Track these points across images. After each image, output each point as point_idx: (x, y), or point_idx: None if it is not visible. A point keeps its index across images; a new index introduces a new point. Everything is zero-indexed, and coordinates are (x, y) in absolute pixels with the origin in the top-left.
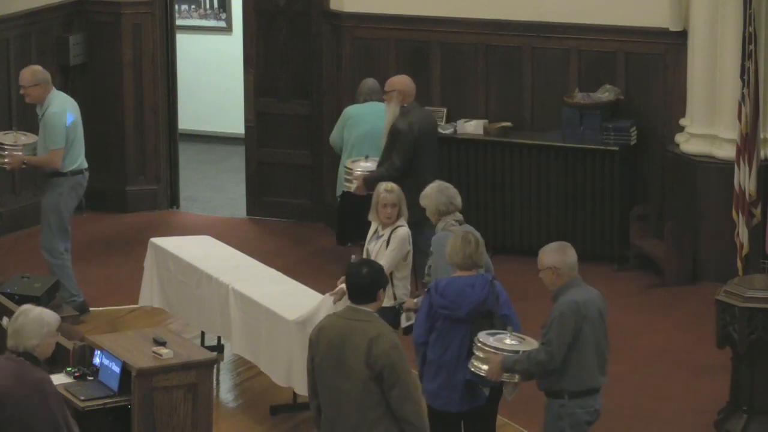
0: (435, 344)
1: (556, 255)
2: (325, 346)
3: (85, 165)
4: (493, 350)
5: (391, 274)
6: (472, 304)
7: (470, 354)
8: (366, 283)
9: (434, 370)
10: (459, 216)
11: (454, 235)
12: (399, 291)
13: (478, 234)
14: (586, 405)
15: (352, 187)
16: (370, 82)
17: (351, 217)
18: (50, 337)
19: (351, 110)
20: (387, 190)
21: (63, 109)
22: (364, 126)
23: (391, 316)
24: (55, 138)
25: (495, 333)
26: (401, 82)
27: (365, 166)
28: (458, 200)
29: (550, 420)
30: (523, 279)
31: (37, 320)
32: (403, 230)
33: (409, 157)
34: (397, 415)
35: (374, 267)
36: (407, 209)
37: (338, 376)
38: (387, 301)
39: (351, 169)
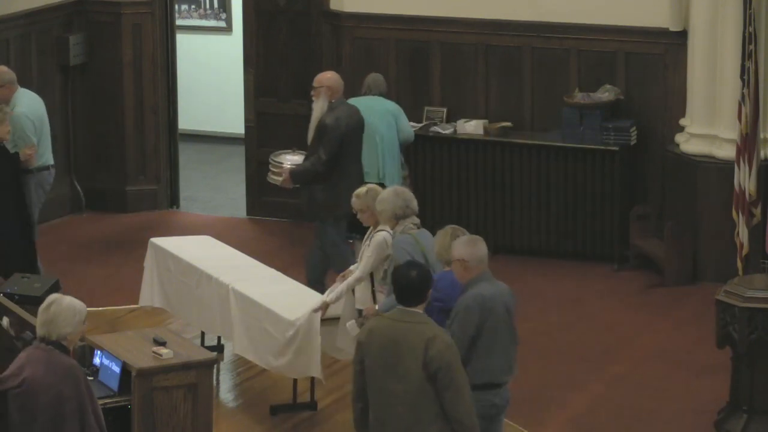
0: None
1: (466, 248)
2: (376, 348)
3: (52, 161)
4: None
5: (372, 278)
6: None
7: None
8: (415, 286)
9: None
10: (416, 220)
11: (442, 232)
12: (381, 296)
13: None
14: (484, 399)
15: (279, 180)
16: (375, 75)
17: None
18: (81, 325)
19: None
20: (355, 195)
21: (29, 108)
22: None
23: None
24: (26, 136)
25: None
26: (329, 78)
27: (293, 159)
28: (414, 204)
29: None
30: (523, 279)
31: (70, 308)
32: (380, 235)
33: (335, 151)
34: (449, 415)
35: (422, 269)
36: (334, 204)
37: (391, 377)
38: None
39: (278, 162)
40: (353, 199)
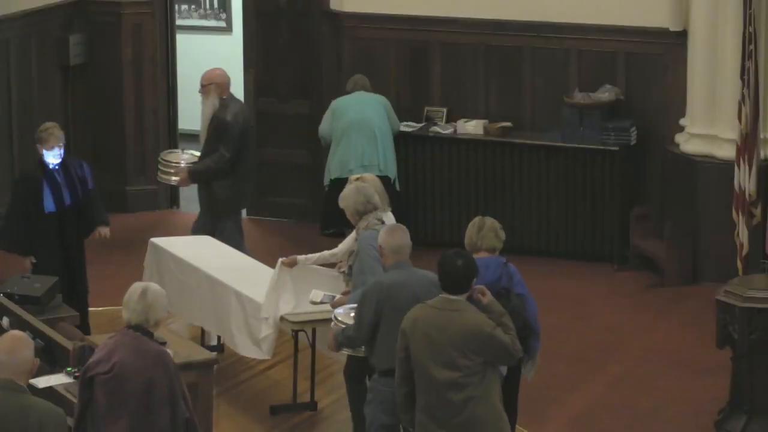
0: None
1: (384, 235)
2: (421, 336)
3: None
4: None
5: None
6: (486, 284)
7: None
8: (461, 275)
9: None
10: (380, 215)
11: (470, 223)
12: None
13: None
14: (389, 385)
15: (172, 180)
16: (359, 75)
17: (335, 207)
18: (167, 310)
19: (338, 101)
20: (350, 181)
21: None
22: (351, 115)
23: None
24: None
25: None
26: (218, 75)
27: (186, 158)
28: (376, 199)
29: (368, 393)
30: (523, 278)
31: (161, 294)
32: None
33: (238, 147)
34: (505, 352)
35: (467, 258)
36: (237, 199)
37: (437, 364)
38: None
39: (169, 161)
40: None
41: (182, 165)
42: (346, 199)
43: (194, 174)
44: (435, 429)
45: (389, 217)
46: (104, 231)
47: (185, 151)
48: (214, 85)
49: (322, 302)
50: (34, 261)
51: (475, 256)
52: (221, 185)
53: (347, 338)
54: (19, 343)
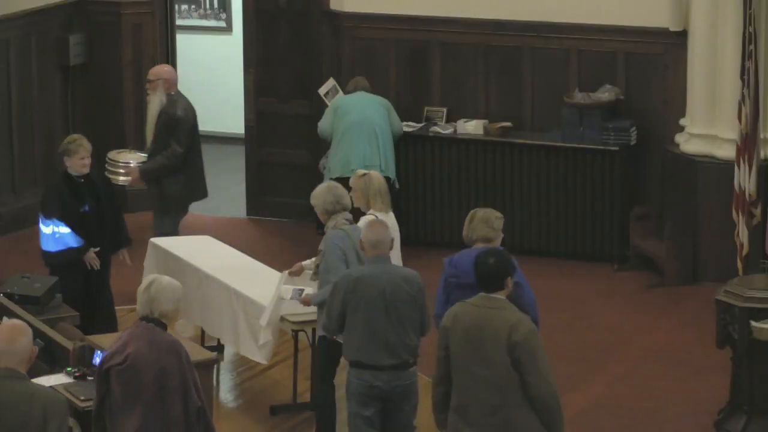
0: None
1: (364, 230)
2: (461, 334)
3: None
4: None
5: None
6: None
7: None
8: (495, 273)
9: None
10: (349, 216)
11: (468, 215)
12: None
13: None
14: (361, 377)
15: (121, 179)
16: (359, 78)
17: None
18: (178, 303)
19: (340, 101)
20: (356, 175)
21: None
22: (354, 115)
23: None
24: None
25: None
26: (166, 70)
27: (134, 157)
28: (346, 200)
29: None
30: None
31: (169, 287)
32: (367, 217)
33: (190, 143)
34: (533, 398)
35: (501, 256)
36: (188, 196)
37: (476, 362)
38: None
39: (117, 161)
40: (352, 178)
41: (132, 164)
42: (317, 197)
43: (146, 172)
44: (464, 428)
45: (390, 218)
46: (126, 255)
47: (132, 151)
48: (162, 80)
49: (292, 298)
50: (96, 249)
51: (474, 248)
52: (172, 182)
53: (324, 326)
54: (18, 332)
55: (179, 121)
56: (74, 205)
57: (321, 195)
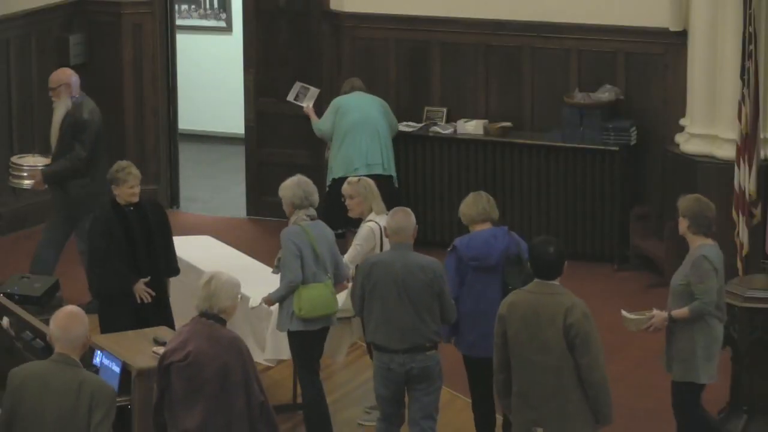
0: (467, 297)
1: (388, 217)
2: (518, 320)
3: None
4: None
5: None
6: (499, 252)
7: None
8: (553, 260)
9: (470, 323)
10: (312, 212)
11: (469, 195)
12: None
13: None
14: (381, 359)
15: (25, 183)
16: (354, 79)
17: (338, 206)
18: (237, 300)
19: (341, 100)
20: (348, 182)
21: None
22: (356, 114)
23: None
24: None
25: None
26: (67, 74)
27: (39, 160)
28: (315, 198)
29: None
30: None
31: (229, 283)
32: (367, 225)
33: (94, 147)
34: (585, 381)
35: (558, 244)
36: (94, 198)
37: (533, 348)
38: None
39: (21, 165)
40: (345, 185)
41: (38, 167)
42: (286, 189)
43: (48, 175)
44: (527, 412)
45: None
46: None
47: (35, 154)
48: (63, 86)
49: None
50: (146, 279)
51: (477, 228)
52: (76, 185)
53: (353, 306)
54: (73, 319)
55: (85, 124)
56: (123, 236)
57: (290, 188)
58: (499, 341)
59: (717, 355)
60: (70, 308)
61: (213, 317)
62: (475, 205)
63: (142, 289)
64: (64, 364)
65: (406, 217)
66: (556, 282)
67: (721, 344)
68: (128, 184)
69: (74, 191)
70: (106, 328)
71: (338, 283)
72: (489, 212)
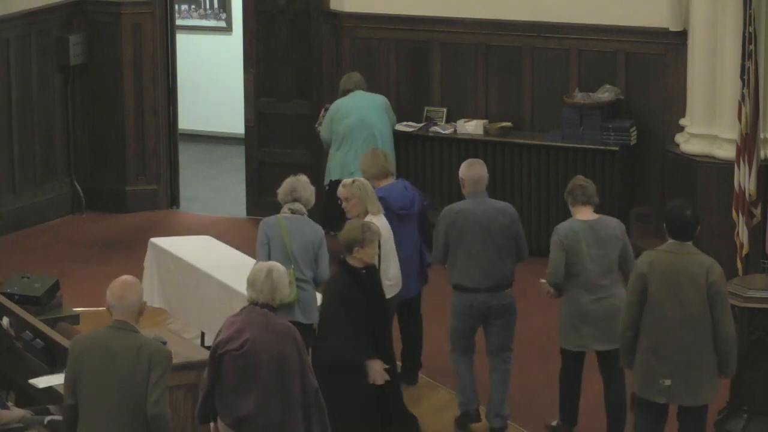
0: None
1: (464, 168)
2: (658, 277)
3: None
4: None
5: None
6: (417, 201)
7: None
8: (690, 223)
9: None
10: (297, 206)
11: (365, 153)
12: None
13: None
14: (463, 299)
15: None
16: (353, 73)
17: (335, 207)
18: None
19: (337, 104)
20: (342, 185)
21: None
22: (352, 118)
23: None
24: None
25: None
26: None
27: None
28: (303, 194)
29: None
30: (523, 278)
31: (285, 273)
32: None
33: None
34: (718, 334)
35: (693, 208)
36: None
37: (673, 303)
38: None
39: None
40: (339, 188)
41: None
42: (281, 186)
43: None
44: (657, 365)
45: (382, 221)
46: None
47: None
48: None
49: None
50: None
51: (381, 184)
52: None
53: (433, 257)
54: (128, 287)
55: None
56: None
57: (283, 184)
58: (635, 298)
59: (583, 327)
60: (125, 277)
61: (268, 307)
62: (374, 163)
63: (377, 369)
64: (122, 330)
65: (482, 168)
66: (690, 243)
67: (592, 318)
68: (374, 244)
69: None
70: None
71: (318, 285)
72: (388, 167)
